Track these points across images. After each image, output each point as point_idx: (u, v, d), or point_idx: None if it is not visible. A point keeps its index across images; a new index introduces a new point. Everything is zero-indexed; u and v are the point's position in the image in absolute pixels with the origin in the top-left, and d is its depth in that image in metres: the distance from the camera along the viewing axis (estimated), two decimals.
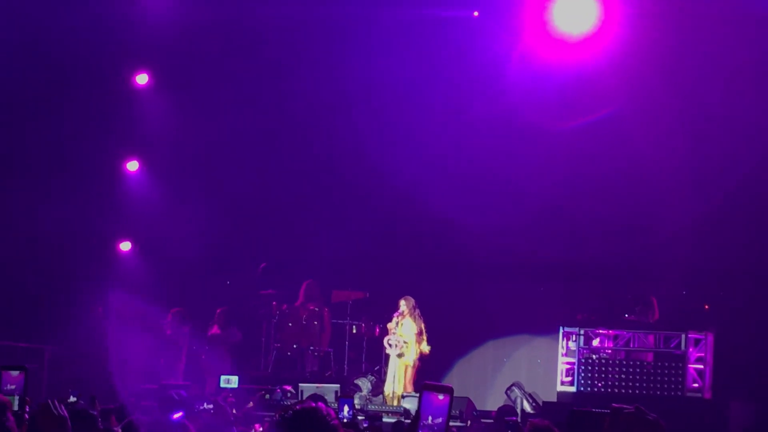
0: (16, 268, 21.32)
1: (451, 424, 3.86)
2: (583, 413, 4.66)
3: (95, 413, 7.47)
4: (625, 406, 4.49)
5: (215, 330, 21.74)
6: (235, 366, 21.24)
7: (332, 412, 3.47)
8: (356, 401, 17.92)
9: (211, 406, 9.80)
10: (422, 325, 19.68)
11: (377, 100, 21.41)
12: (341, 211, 22.58)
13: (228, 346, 21.77)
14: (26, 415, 4.61)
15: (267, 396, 18.03)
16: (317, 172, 22.52)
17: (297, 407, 3.46)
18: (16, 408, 4.57)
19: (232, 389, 16.49)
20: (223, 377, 17.32)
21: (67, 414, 4.67)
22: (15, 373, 4.70)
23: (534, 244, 21.60)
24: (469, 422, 18.18)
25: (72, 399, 10.84)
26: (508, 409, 17.94)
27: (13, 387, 4.62)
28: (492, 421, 17.49)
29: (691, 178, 20.32)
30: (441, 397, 3.89)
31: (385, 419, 16.61)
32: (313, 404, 3.48)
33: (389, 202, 22.19)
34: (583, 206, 21.18)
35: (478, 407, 19.72)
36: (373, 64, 21.07)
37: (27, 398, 4.71)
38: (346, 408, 3.51)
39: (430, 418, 3.86)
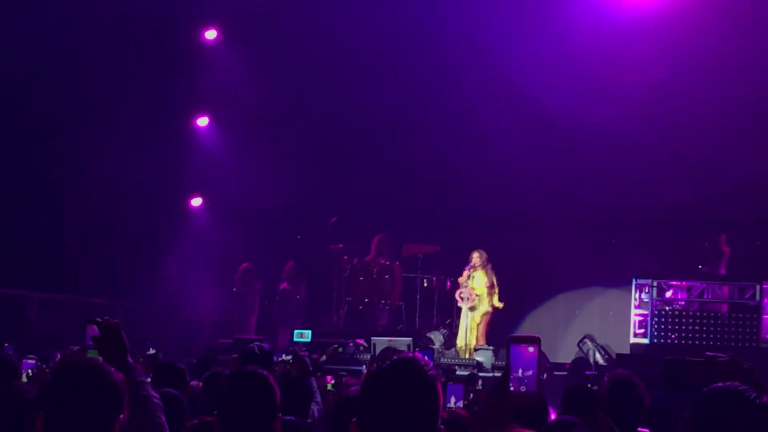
0: (89, 225, 21.53)
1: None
2: (678, 362, 4.63)
3: (182, 367, 7.55)
4: (719, 354, 4.45)
5: (286, 285, 21.85)
6: (306, 320, 21.38)
7: (430, 362, 3.44)
8: None
9: (290, 357, 9.82)
10: (494, 278, 19.64)
11: (442, 54, 21.22)
12: (410, 165, 22.51)
13: (299, 300, 21.89)
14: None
15: (340, 349, 18.06)
16: (386, 127, 22.42)
17: (395, 357, 3.43)
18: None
19: (305, 343, 16.56)
20: (296, 331, 17.42)
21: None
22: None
23: (605, 194, 21.44)
24: (544, 375, 18.16)
25: (151, 351, 10.94)
26: (582, 362, 17.91)
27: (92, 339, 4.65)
28: (566, 373, 17.46)
29: (763, 122, 20.02)
30: (531, 349, 3.86)
31: (458, 372, 16.64)
32: (411, 354, 3.46)
33: (459, 155, 22.09)
34: (655, 154, 20.96)
35: (551, 360, 19.70)
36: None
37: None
38: (425, 358, 3.52)
39: (520, 370, 3.83)
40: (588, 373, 12.11)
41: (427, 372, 3.37)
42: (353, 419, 3.39)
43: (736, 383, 4.13)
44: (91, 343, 4.64)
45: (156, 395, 4.59)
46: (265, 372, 4.95)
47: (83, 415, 3.47)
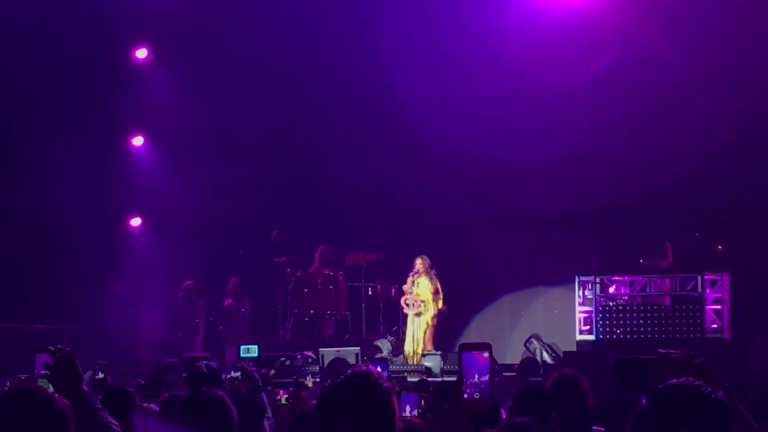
0: (28, 251, 21.32)
1: None
2: (630, 360, 4.64)
3: (131, 390, 7.49)
4: (671, 351, 4.48)
5: (230, 300, 21.76)
6: (253, 335, 21.31)
7: (384, 375, 3.44)
8: None
9: (238, 373, 9.78)
10: (438, 284, 19.68)
11: (393, 60, 21.24)
12: (350, 174, 22.51)
13: (244, 315, 21.81)
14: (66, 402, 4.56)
15: (288, 362, 18.06)
16: (324, 137, 22.42)
17: (348, 371, 3.44)
18: (51, 390, 4.53)
19: (252, 358, 16.50)
20: (243, 347, 17.34)
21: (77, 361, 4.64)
22: (47, 355, 4.65)
23: (543, 194, 21.55)
24: (494, 379, 18.16)
25: (100, 375, 10.83)
26: (531, 362, 17.98)
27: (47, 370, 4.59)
28: (515, 374, 17.53)
29: (699, 119, 20.22)
30: (485, 354, 3.89)
31: (408, 378, 16.66)
32: (364, 367, 3.46)
33: (396, 161, 22.12)
34: (590, 151, 21.09)
35: (499, 361, 19.76)
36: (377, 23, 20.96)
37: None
38: (378, 369, 3.53)
39: (476, 376, 3.86)
40: (532, 379, 12.16)
41: (381, 384, 3.38)
42: None
43: (691, 379, 4.17)
44: (40, 371, 4.60)
45: (114, 422, 4.56)
46: (220, 392, 4.94)
47: None
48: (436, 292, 19.60)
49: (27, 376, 7.23)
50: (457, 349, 3.97)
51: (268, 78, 21.58)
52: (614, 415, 6.97)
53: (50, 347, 4.59)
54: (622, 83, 20.48)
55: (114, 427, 4.52)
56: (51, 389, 4.50)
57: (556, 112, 20.73)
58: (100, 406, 4.57)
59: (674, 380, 4.15)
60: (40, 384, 4.50)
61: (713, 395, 4.08)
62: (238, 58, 21.24)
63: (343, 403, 3.34)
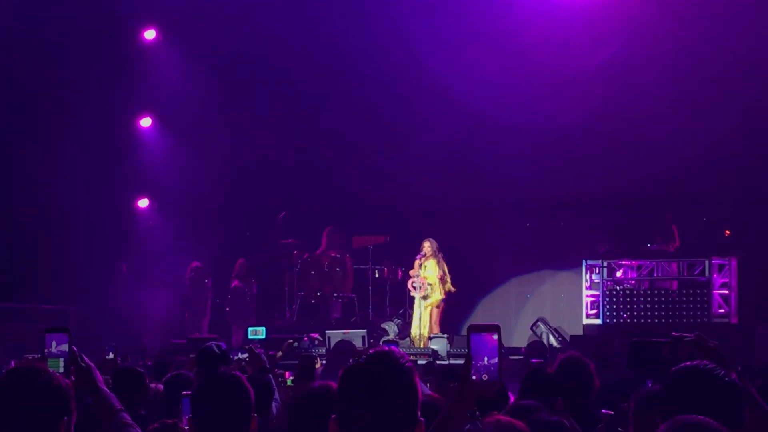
0: (36, 231, 21.34)
1: None
2: (643, 343, 4.62)
3: (142, 370, 7.50)
4: (685, 334, 4.47)
5: (237, 282, 21.78)
6: (259, 317, 21.33)
7: (405, 355, 3.44)
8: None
9: (246, 355, 9.78)
10: (445, 267, 19.66)
11: (401, 42, 21.20)
12: (358, 156, 22.49)
13: (250, 297, 21.82)
14: (72, 377, 4.60)
15: (295, 344, 18.06)
16: (332, 120, 22.37)
17: (370, 351, 3.43)
18: (61, 370, 4.56)
19: (260, 340, 16.50)
20: (250, 329, 17.34)
21: (92, 364, 4.70)
22: (59, 335, 4.67)
23: (551, 178, 21.52)
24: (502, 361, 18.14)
25: (110, 356, 10.85)
26: (538, 345, 17.96)
27: (59, 349, 4.61)
28: (521, 357, 17.52)
29: (708, 103, 20.17)
30: (495, 336, 3.87)
31: (417, 362, 16.65)
32: (387, 347, 3.46)
33: (404, 144, 22.07)
34: (600, 137, 21.07)
35: (505, 344, 19.75)
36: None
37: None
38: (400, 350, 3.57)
39: (485, 358, 3.84)
40: (534, 360, 12.15)
41: (404, 364, 3.38)
42: (332, 416, 3.38)
43: (704, 362, 4.15)
44: (51, 351, 4.61)
45: (132, 423, 4.63)
46: (238, 373, 4.93)
47: (23, 416, 3.49)
48: (443, 275, 19.58)
49: (38, 356, 7.23)
50: (465, 331, 3.95)
51: (276, 58, 21.53)
52: (620, 398, 6.97)
53: (74, 348, 4.62)
54: (632, 69, 20.43)
55: (134, 429, 4.60)
56: (62, 369, 4.52)
57: (566, 97, 20.66)
58: (121, 407, 4.64)
59: (688, 363, 4.13)
60: (51, 363, 4.53)
61: (727, 378, 4.06)
62: (246, 39, 21.17)
63: (365, 383, 3.34)
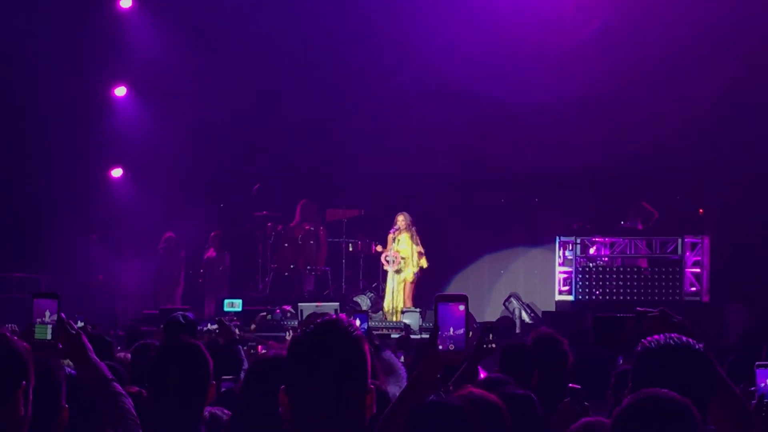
0: (7, 199, 21.22)
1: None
2: (607, 319, 4.61)
3: (111, 339, 7.47)
4: (649, 309, 4.46)
5: (211, 253, 21.71)
6: (232, 289, 21.29)
7: (354, 323, 3.40)
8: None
9: (215, 326, 9.77)
10: (419, 240, 19.66)
11: (381, 15, 21.14)
12: (332, 129, 22.45)
13: (223, 269, 21.77)
14: (59, 345, 4.54)
15: (269, 317, 18.05)
16: (305, 91, 22.30)
17: (318, 320, 3.39)
18: (48, 338, 4.49)
19: (236, 312, 16.49)
20: (226, 301, 17.34)
21: (82, 332, 4.65)
22: (47, 300, 4.56)
23: (526, 154, 21.51)
24: (470, 333, 18.18)
25: (80, 324, 10.79)
26: (506, 321, 17.99)
27: (46, 316, 4.51)
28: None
29: (682, 81, 20.21)
30: (461, 307, 3.86)
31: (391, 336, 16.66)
32: (335, 316, 3.41)
33: (380, 117, 22.03)
34: (576, 114, 21.09)
35: (477, 320, 19.79)
36: None
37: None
38: (358, 322, 3.49)
39: (451, 329, 3.83)
40: (486, 322, 12.17)
41: (352, 333, 3.34)
42: (281, 386, 3.35)
43: (672, 334, 4.13)
44: (37, 317, 4.52)
45: (123, 392, 4.60)
46: (196, 341, 4.91)
47: None
48: (421, 251, 19.58)
49: (11, 326, 7.18)
50: (433, 301, 3.94)
51: (253, 27, 21.45)
52: (592, 374, 6.98)
53: (63, 315, 4.54)
54: (609, 47, 20.45)
55: (124, 397, 4.56)
56: (50, 336, 4.46)
57: (543, 74, 20.67)
58: (112, 376, 4.60)
59: (655, 336, 4.12)
60: (38, 330, 4.46)
61: (696, 346, 4.06)
62: (222, 8, 21.11)
63: (313, 352, 3.30)
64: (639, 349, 4.14)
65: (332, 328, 3.34)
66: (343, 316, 3.46)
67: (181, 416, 4.63)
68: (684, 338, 4.10)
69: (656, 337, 4.12)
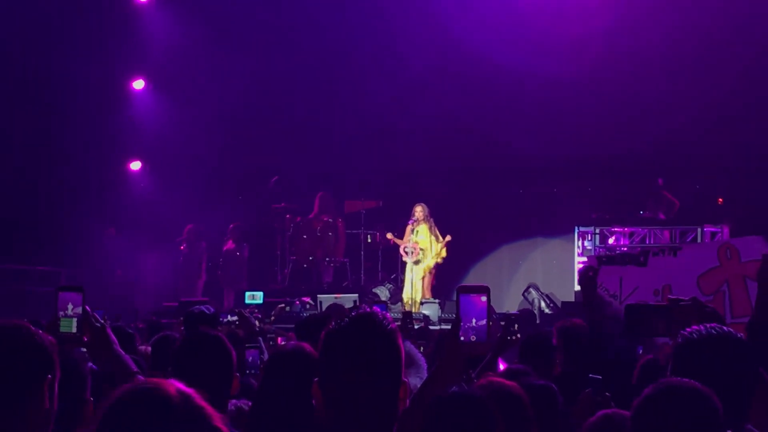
0: (28, 193, 21.30)
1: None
2: (639, 307, 4.61)
3: (132, 331, 7.48)
4: (681, 298, 4.46)
5: (229, 245, 21.74)
6: (251, 280, 21.31)
7: (389, 316, 3.41)
8: None
9: (235, 318, 9.79)
10: (437, 231, 19.66)
11: (395, 6, 21.14)
12: (350, 121, 22.43)
13: (242, 261, 21.79)
14: (84, 338, 4.58)
15: (287, 308, 18.06)
16: (323, 83, 22.32)
17: (353, 314, 3.40)
18: (74, 330, 4.53)
19: (257, 305, 16.50)
20: (247, 293, 17.32)
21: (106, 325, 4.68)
22: (72, 294, 4.61)
23: (544, 144, 21.47)
24: (490, 323, 18.15)
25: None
26: (527, 313, 17.96)
27: (71, 309, 4.55)
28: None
29: (702, 68, 20.13)
30: (483, 298, 3.85)
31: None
32: (368, 309, 3.42)
33: (397, 107, 22.00)
34: (593, 103, 21.03)
35: (496, 310, 19.76)
36: None
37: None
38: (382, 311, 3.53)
39: (474, 320, 3.83)
40: (510, 313, 12.16)
41: (387, 326, 3.34)
42: (315, 379, 3.35)
43: (712, 324, 4.12)
44: (62, 310, 4.56)
45: None
46: (219, 333, 4.92)
47: (4, 375, 3.38)
48: (436, 240, 19.58)
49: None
50: (455, 292, 3.94)
51: (270, 17, 21.45)
52: (612, 364, 6.97)
53: (87, 308, 4.58)
54: (626, 35, 20.38)
55: None
56: (75, 329, 4.49)
57: (561, 62, 20.60)
58: (137, 369, 4.65)
59: (694, 326, 4.10)
60: (63, 323, 4.50)
61: (738, 336, 4.04)
62: (240, 6, 21.13)
63: (348, 345, 3.31)
64: (680, 340, 4.12)
65: (367, 322, 3.35)
66: (376, 308, 3.47)
67: None
68: (725, 328, 4.08)
69: (696, 327, 4.10)
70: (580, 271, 6.25)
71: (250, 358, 7.42)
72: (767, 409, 4.11)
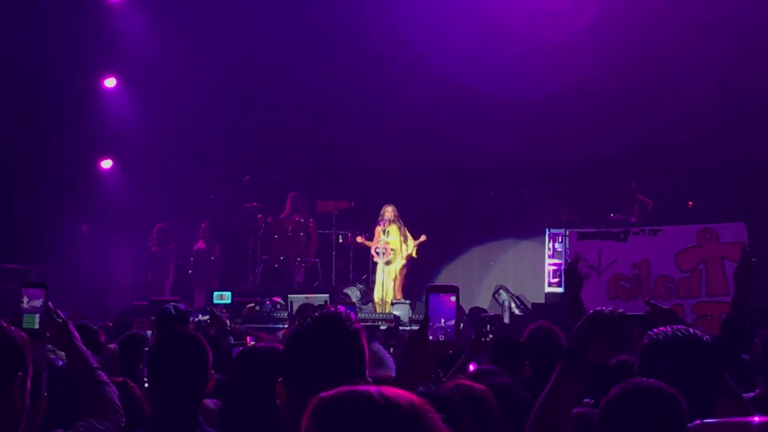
0: None
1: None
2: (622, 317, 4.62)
3: (96, 328, 7.46)
4: (658, 305, 4.50)
5: (201, 244, 21.70)
6: (222, 280, 21.27)
7: (353, 316, 3.41)
8: None
9: (206, 317, 9.77)
10: (407, 232, 19.69)
11: (368, 12, 21.14)
12: (322, 121, 22.44)
13: (213, 260, 21.75)
14: (47, 334, 4.59)
15: (257, 308, 18.03)
16: (295, 83, 22.28)
17: (316, 314, 3.40)
18: (36, 326, 4.54)
19: (225, 305, 16.45)
20: (216, 293, 17.27)
21: (69, 321, 4.69)
22: (35, 290, 4.61)
23: (516, 146, 21.54)
24: (461, 325, 18.20)
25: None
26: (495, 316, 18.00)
27: (34, 305, 4.56)
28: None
29: (675, 72, 20.22)
30: (452, 298, 3.87)
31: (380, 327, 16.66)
32: (333, 309, 3.43)
33: (370, 109, 22.03)
34: (565, 105, 21.09)
35: (467, 312, 19.81)
36: None
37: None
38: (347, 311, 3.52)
39: (442, 320, 3.84)
40: (484, 314, 12.17)
41: (351, 326, 3.35)
42: (279, 379, 3.35)
43: (679, 326, 4.15)
44: (27, 306, 4.56)
45: (108, 381, 4.67)
46: (196, 332, 4.91)
47: None
48: (405, 240, 19.61)
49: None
50: (424, 292, 3.95)
51: (243, 18, 21.43)
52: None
53: (50, 304, 4.60)
54: (599, 37, 20.43)
55: (109, 386, 4.62)
56: (37, 325, 4.49)
57: (532, 66, 20.68)
58: (97, 364, 4.66)
59: (662, 328, 4.13)
60: (26, 319, 4.50)
61: (704, 339, 4.07)
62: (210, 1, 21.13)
63: (311, 345, 3.31)
64: (646, 341, 4.15)
65: (331, 322, 3.35)
66: (341, 308, 3.47)
67: (182, 406, 4.61)
68: (690, 330, 4.11)
69: (662, 328, 4.13)
70: (568, 263, 6.25)
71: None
72: (731, 408, 4.15)
